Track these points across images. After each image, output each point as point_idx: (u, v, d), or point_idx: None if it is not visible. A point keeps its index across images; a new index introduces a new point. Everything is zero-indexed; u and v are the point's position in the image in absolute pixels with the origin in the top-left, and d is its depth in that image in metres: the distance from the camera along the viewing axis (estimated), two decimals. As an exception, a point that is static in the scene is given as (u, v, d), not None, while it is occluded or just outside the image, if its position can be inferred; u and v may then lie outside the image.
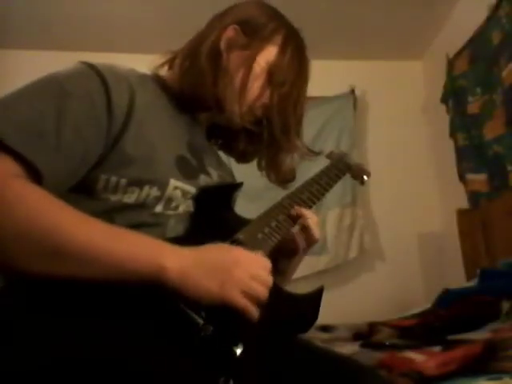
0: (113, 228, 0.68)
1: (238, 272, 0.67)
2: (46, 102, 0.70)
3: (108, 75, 0.76)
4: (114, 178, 0.73)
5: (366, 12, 2.76)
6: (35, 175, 0.66)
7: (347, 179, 3.17)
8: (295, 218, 0.89)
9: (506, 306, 1.54)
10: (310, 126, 2.94)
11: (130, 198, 0.74)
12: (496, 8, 2.31)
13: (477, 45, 2.50)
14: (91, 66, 0.76)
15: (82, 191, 0.73)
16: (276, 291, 0.77)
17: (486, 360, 1.05)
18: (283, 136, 0.90)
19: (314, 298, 0.79)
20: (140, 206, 0.75)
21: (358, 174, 1.04)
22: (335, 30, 2.91)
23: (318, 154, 0.99)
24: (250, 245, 0.76)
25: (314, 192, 0.92)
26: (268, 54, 0.89)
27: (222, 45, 0.87)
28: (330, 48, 3.06)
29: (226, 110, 0.87)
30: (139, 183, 0.75)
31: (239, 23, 0.89)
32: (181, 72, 0.88)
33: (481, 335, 1.32)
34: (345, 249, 2.89)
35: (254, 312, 0.67)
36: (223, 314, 0.65)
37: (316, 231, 0.90)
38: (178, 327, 0.63)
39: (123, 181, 0.74)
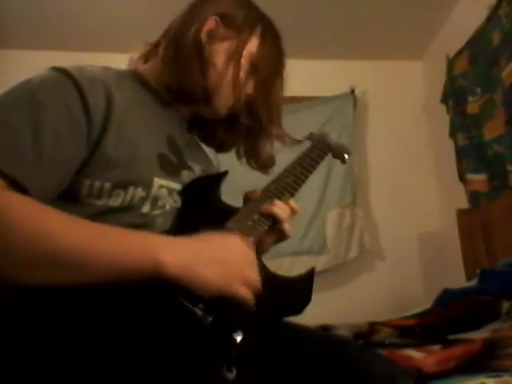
0: (104, 228, 0.67)
1: (236, 262, 0.68)
2: (20, 115, 0.68)
3: (81, 79, 0.73)
4: (97, 183, 0.73)
5: (366, 12, 2.76)
6: (19, 190, 0.64)
7: (347, 180, 3.16)
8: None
9: (506, 305, 1.54)
10: (310, 126, 2.92)
11: (116, 201, 0.74)
12: (496, 8, 2.31)
13: (477, 45, 2.50)
14: (63, 72, 0.74)
15: (66, 198, 0.72)
16: (268, 275, 0.78)
17: (485, 358, 1.05)
18: (269, 124, 0.92)
19: (306, 279, 0.81)
20: (126, 208, 0.75)
21: (339, 153, 1.04)
22: (335, 30, 2.91)
23: (300, 141, 1.01)
24: (241, 233, 0.77)
25: (298, 175, 0.92)
26: (251, 46, 0.89)
27: (204, 37, 0.87)
28: (330, 48, 3.06)
29: (213, 101, 0.88)
30: (123, 185, 0.74)
31: (218, 14, 0.89)
32: (164, 64, 0.88)
33: (481, 335, 1.32)
34: (345, 249, 2.89)
35: (251, 303, 0.68)
36: (221, 303, 0.66)
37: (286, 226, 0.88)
38: (177, 320, 0.63)
39: (107, 185, 0.73)
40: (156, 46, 0.93)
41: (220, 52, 0.88)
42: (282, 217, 0.85)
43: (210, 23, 0.88)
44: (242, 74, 0.89)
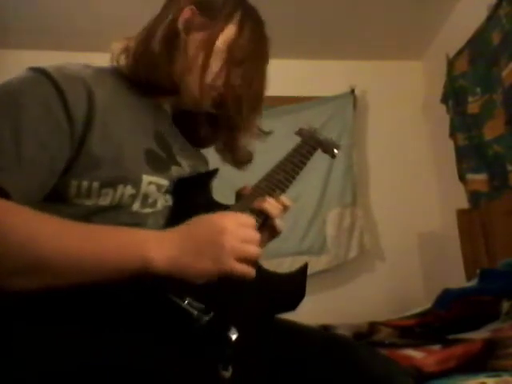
0: (90, 227, 0.67)
1: (227, 241, 0.67)
2: None
3: (60, 78, 0.72)
4: (85, 183, 0.71)
5: (366, 12, 2.76)
6: (1, 194, 0.63)
7: (347, 180, 3.16)
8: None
9: (506, 305, 1.54)
10: (310, 126, 2.94)
11: (105, 199, 0.73)
12: (496, 8, 2.31)
13: (477, 45, 2.50)
14: (41, 72, 0.72)
15: (55, 199, 0.71)
16: (261, 272, 0.78)
17: (485, 358, 1.05)
18: (236, 114, 0.90)
19: (300, 275, 0.81)
20: (116, 206, 0.74)
21: (328, 148, 1.04)
22: (335, 30, 2.91)
23: (268, 133, 0.99)
24: None
25: (289, 171, 0.92)
26: (226, 34, 0.88)
27: (180, 26, 0.86)
28: (330, 48, 3.06)
29: (184, 92, 0.86)
30: (112, 183, 0.73)
31: (195, 4, 0.88)
32: (134, 58, 0.86)
33: (481, 335, 1.32)
34: (345, 249, 2.89)
35: (252, 273, 0.69)
36: (216, 301, 0.66)
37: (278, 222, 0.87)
38: (172, 320, 0.63)
39: (95, 184, 0.72)
40: (133, 40, 0.92)
41: (195, 41, 0.86)
42: (273, 213, 0.84)
43: (186, 12, 0.87)
44: (217, 62, 0.87)
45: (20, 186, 0.65)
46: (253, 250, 0.70)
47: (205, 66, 0.86)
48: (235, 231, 0.69)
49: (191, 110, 0.94)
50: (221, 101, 0.90)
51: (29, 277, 0.60)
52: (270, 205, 0.85)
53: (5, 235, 0.60)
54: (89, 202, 0.72)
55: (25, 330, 0.60)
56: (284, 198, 0.88)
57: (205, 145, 1.02)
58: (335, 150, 1.04)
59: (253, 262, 0.70)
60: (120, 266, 0.63)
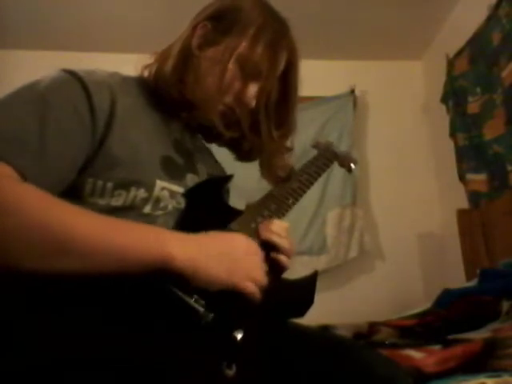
0: (114, 219, 0.68)
1: (241, 259, 0.70)
2: (27, 111, 0.70)
3: (88, 80, 0.76)
4: (100, 182, 0.74)
5: (365, 12, 2.76)
6: (23, 179, 0.65)
7: (347, 180, 3.16)
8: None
9: (506, 305, 1.54)
10: (310, 126, 2.95)
11: (118, 200, 0.75)
12: (496, 8, 2.31)
13: (477, 45, 2.50)
14: (71, 73, 0.76)
15: (70, 196, 0.72)
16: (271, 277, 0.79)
17: (485, 358, 1.05)
18: (250, 131, 0.90)
19: (309, 282, 0.81)
20: (128, 207, 0.76)
21: (345, 162, 1.05)
22: (335, 30, 2.91)
23: (290, 149, 0.98)
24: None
25: (304, 181, 0.93)
26: (239, 50, 0.87)
27: (194, 43, 0.88)
28: (330, 48, 3.07)
29: (197, 108, 0.86)
30: (125, 185, 0.75)
31: (210, 20, 0.89)
32: (153, 74, 0.89)
33: (481, 335, 1.32)
34: (345, 249, 2.89)
35: (258, 297, 0.70)
36: (222, 300, 0.66)
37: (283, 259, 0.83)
38: (178, 316, 0.64)
39: (109, 184, 0.74)
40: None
41: (208, 58, 0.87)
42: (283, 247, 0.82)
43: (200, 29, 0.88)
44: (231, 78, 0.86)
45: (38, 177, 0.67)
46: (264, 277, 0.72)
47: (219, 84, 0.86)
48: (253, 255, 0.73)
49: (208, 125, 0.92)
50: (236, 120, 0.89)
51: (55, 258, 0.61)
52: (280, 238, 0.82)
53: (36, 216, 0.61)
54: (102, 202, 0.74)
55: (26, 319, 0.60)
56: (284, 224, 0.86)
57: (250, 158, 1.00)
58: (352, 165, 1.05)
59: (260, 288, 0.71)
60: (141, 260, 0.63)
